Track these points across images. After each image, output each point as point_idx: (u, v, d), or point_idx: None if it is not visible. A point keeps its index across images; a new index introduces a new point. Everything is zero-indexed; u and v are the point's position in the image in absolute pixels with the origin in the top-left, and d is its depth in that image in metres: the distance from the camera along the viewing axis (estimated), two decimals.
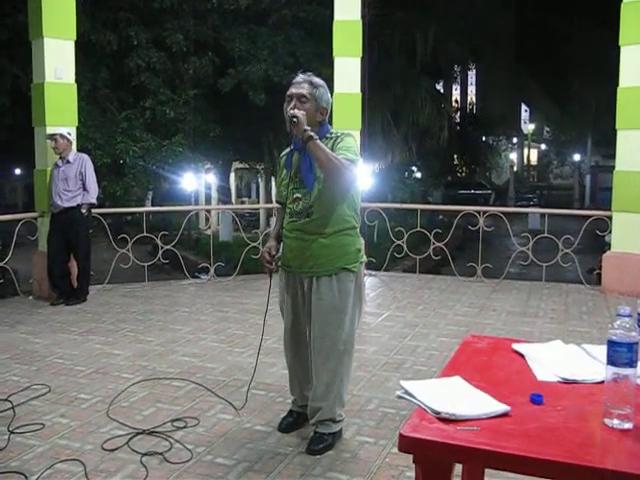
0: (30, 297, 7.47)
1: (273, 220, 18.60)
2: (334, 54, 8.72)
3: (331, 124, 8.99)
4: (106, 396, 4.29)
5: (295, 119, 3.22)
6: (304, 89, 3.37)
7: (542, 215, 10.45)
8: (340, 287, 3.39)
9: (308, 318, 3.48)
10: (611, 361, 1.69)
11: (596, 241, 11.51)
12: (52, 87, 7.21)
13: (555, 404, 1.80)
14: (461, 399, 1.79)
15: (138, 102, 16.25)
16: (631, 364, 1.68)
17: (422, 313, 6.72)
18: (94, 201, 7.13)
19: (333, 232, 3.38)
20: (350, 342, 3.50)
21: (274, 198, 24.56)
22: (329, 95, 3.50)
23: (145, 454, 3.41)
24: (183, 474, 3.22)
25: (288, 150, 3.60)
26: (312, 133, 3.21)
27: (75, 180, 6.95)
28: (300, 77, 3.44)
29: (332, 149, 3.29)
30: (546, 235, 8.36)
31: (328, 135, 3.43)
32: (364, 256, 3.58)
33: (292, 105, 3.33)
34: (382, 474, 3.22)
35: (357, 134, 8.75)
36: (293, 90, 3.39)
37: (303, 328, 3.56)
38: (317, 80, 3.44)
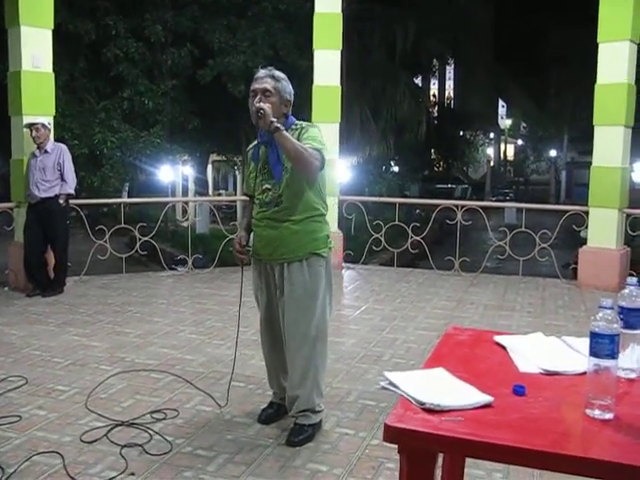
0: (5, 288, 7.39)
1: None
2: (314, 47, 8.71)
3: (310, 116, 8.99)
4: (84, 388, 4.26)
5: (261, 111, 3.26)
6: (267, 83, 3.43)
7: (519, 210, 10.54)
8: (311, 272, 3.46)
9: (282, 305, 3.52)
10: (593, 352, 1.71)
11: (572, 236, 11.63)
12: (29, 76, 7.11)
13: (537, 395, 1.82)
14: (445, 390, 1.80)
15: (116, 92, 16.09)
16: (613, 356, 1.70)
17: (400, 306, 6.75)
18: (72, 192, 7.07)
19: (302, 219, 3.45)
20: (323, 328, 3.55)
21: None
22: (291, 87, 3.56)
23: (124, 446, 3.40)
24: (163, 466, 3.21)
25: (255, 143, 3.65)
26: (278, 124, 3.26)
27: (53, 170, 6.89)
28: (262, 72, 3.49)
29: (298, 139, 3.35)
30: (523, 230, 8.43)
31: (293, 127, 3.49)
32: (332, 242, 3.64)
33: (257, 99, 3.38)
34: (362, 465, 3.24)
35: (336, 127, 8.76)
36: (257, 85, 3.44)
37: (277, 317, 3.60)
38: (278, 73, 3.50)
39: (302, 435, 3.50)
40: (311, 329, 3.47)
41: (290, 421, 3.65)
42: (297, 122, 3.54)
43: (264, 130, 3.35)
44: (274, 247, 3.47)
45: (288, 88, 3.51)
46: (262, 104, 3.30)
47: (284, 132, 3.26)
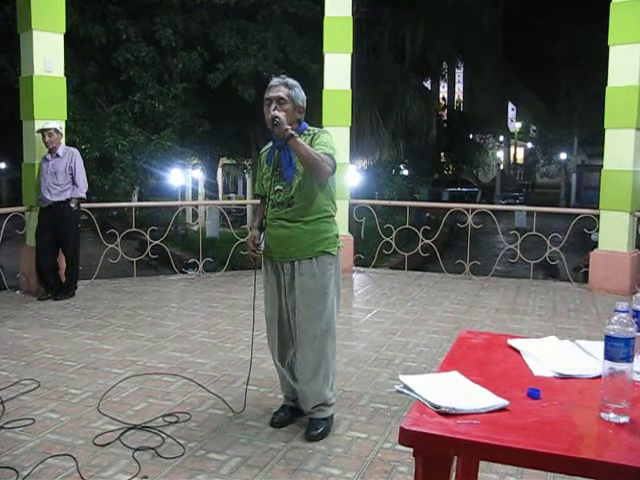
0: (17, 292, 7.42)
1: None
2: (324, 50, 8.72)
3: (321, 120, 8.99)
4: (96, 391, 4.28)
5: (277, 120, 3.40)
6: (281, 92, 3.57)
7: (529, 213, 10.52)
8: (321, 269, 3.59)
9: (292, 302, 3.62)
10: (608, 356, 1.71)
11: (582, 239, 11.60)
12: (41, 80, 7.14)
13: (552, 399, 1.82)
14: (460, 393, 1.80)
15: (127, 96, 16.15)
16: (628, 359, 1.69)
17: (411, 310, 6.74)
18: (83, 195, 7.10)
19: (313, 219, 3.59)
20: (332, 323, 3.67)
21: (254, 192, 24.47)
22: (303, 94, 3.70)
23: (137, 449, 3.41)
24: (176, 469, 3.22)
25: (269, 146, 3.79)
26: (292, 132, 3.40)
27: (64, 174, 6.92)
28: (275, 80, 3.64)
29: (310, 144, 3.51)
30: (533, 233, 8.41)
31: (306, 132, 3.64)
32: (341, 242, 3.77)
33: (272, 107, 3.53)
34: (375, 469, 3.24)
35: (346, 131, 8.77)
36: (271, 94, 3.58)
37: (284, 314, 3.69)
38: (292, 81, 3.64)
39: (320, 429, 3.61)
40: (322, 324, 3.59)
41: (302, 424, 3.68)
42: (309, 128, 3.68)
43: (279, 137, 3.48)
44: (286, 246, 3.59)
45: (301, 95, 3.65)
46: (277, 112, 3.45)
47: (298, 139, 3.40)
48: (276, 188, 3.61)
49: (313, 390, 3.63)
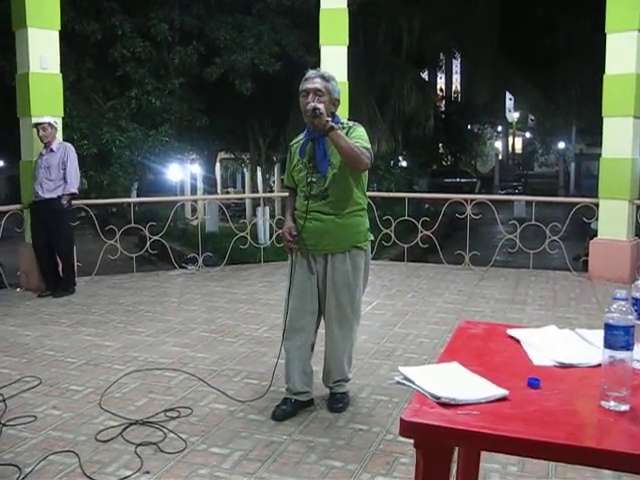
0: (18, 289, 7.43)
1: (259, 210, 18.54)
2: (320, 43, 8.70)
3: None
4: (98, 387, 4.28)
5: (317, 111, 3.42)
6: (318, 84, 3.58)
7: (528, 203, 10.50)
8: (352, 263, 3.72)
9: (323, 292, 3.76)
10: (608, 344, 1.70)
11: (581, 228, 11.59)
12: (37, 77, 7.14)
13: (552, 388, 1.82)
14: (460, 384, 1.80)
15: (123, 92, 16.13)
16: (628, 347, 1.69)
17: (411, 301, 6.74)
18: (75, 191, 7.01)
19: (347, 213, 3.67)
20: (358, 310, 3.88)
21: (260, 188, 24.56)
22: (339, 87, 3.71)
23: (139, 444, 3.41)
24: (178, 464, 3.23)
25: (301, 139, 3.79)
26: (333, 124, 3.43)
27: (57, 169, 6.88)
28: (312, 72, 3.66)
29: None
30: (533, 223, 8.40)
31: (339, 125, 3.61)
32: (371, 235, 3.86)
33: (310, 99, 3.53)
34: (376, 461, 3.24)
35: None
36: (308, 85, 3.58)
37: (313, 307, 3.80)
38: (328, 74, 3.66)
39: (342, 401, 3.88)
40: (349, 311, 3.77)
41: (304, 416, 3.73)
42: (342, 121, 3.71)
43: (318, 128, 3.48)
44: (318, 238, 3.68)
45: (337, 88, 3.68)
46: (318, 104, 3.46)
47: (338, 131, 3.44)
48: (310, 180, 3.65)
49: (337, 369, 3.85)
